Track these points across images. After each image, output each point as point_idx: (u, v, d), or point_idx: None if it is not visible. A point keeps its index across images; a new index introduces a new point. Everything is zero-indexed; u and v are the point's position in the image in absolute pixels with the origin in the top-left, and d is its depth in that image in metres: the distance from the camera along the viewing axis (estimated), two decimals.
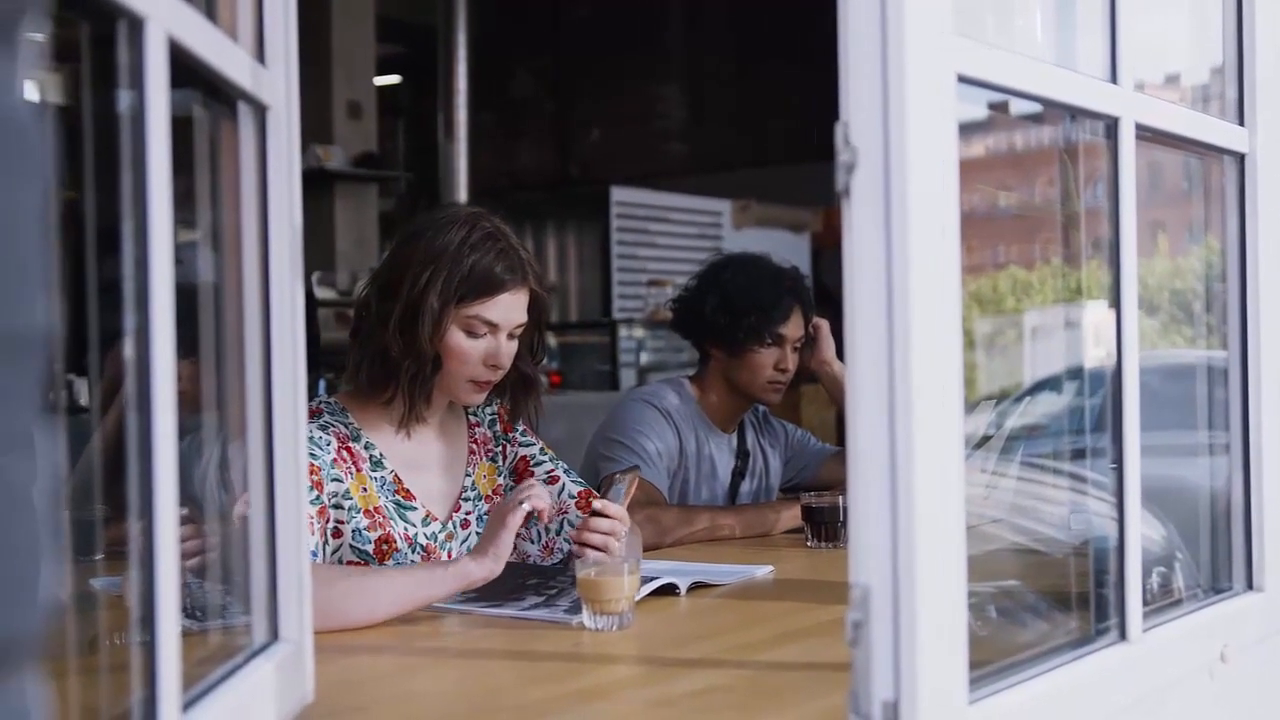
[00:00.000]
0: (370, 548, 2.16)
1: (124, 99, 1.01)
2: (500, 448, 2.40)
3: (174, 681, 1.02)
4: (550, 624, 1.90)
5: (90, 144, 1.07)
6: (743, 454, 3.15)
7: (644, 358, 7.53)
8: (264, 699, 1.28)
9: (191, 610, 1.31)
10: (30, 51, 0.61)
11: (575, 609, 1.92)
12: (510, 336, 2.23)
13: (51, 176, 0.61)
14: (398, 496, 2.22)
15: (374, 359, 2.20)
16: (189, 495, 1.16)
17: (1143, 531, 1.56)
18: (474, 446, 2.37)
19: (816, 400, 6.59)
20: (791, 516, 2.83)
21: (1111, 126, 1.53)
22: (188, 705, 1.08)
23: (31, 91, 0.61)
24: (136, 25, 0.99)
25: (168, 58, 1.02)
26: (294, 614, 1.38)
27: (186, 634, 1.07)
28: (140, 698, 1.01)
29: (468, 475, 2.34)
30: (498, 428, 2.41)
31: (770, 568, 2.37)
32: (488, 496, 2.35)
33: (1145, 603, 1.56)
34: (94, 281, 1.02)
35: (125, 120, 1.01)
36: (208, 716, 1.11)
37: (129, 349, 0.99)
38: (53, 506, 0.61)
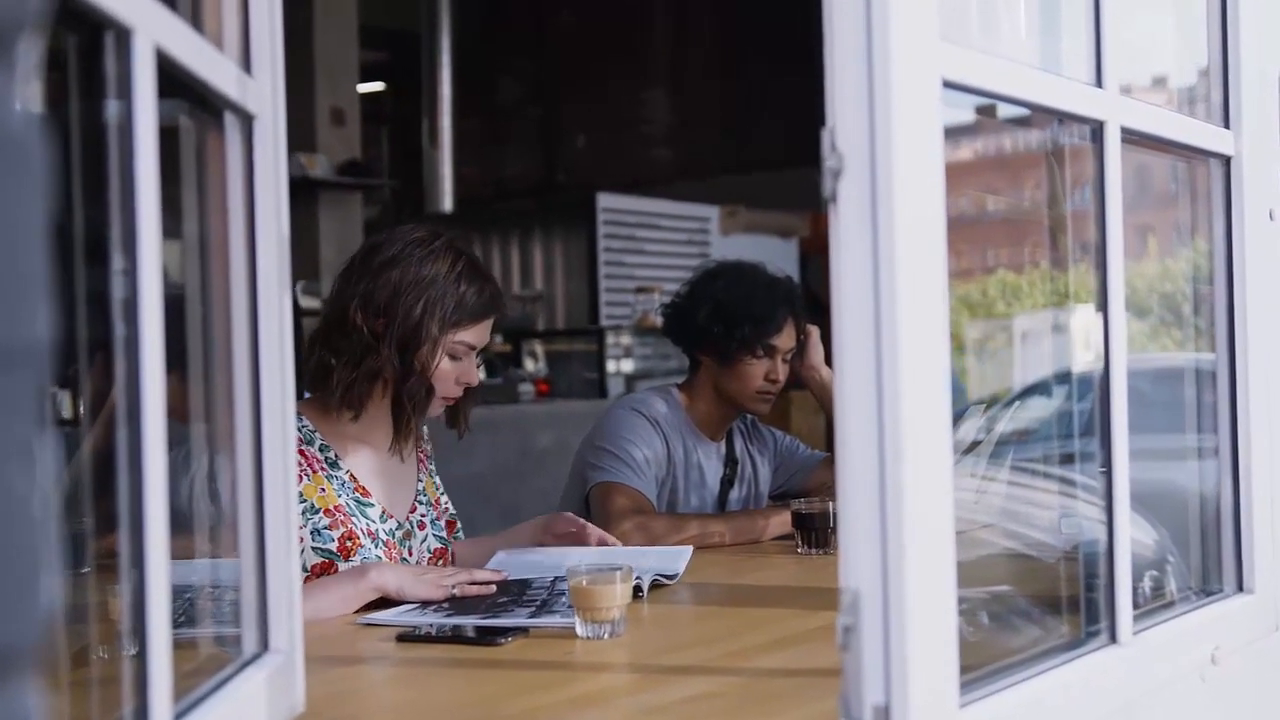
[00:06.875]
0: (334, 546, 2.22)
1: (111, 109, 1.00)
2: (433, 465, 2.52)
3: (166, 693, 1.02)
4: (547, 631, 1.89)
5: (76, 153, 1.06)
6: (731, 462, 3.14)
7: (632, 365, 7.51)
8: (255, 710, 1.28)
9: (178, 620, 1.31)
10: (28, 63, 0.61)
11: (571, 613, 1.91)
12: (479, 355, 2.36)
13: (49, 188, 0.61)
14: (356, 494, 2.30)
15: (364, 379, 2.26)
16: (177, 508, 1.16)
17: (1135, 536, 1.56)
18: (422, 456, 2.48)
19: (805, 407, 6.58)
20: (780, 523, 2.83)
21: (1097, 130, 1.53)
22: (179, 716, 1.08)
23: (29, 103, 0.61)
24: (124, 36, 0.99)
25: (155, 68, 1.02)
26: (284, 625, 1.38)
27: (175, 644, 1.07)
28: (132, 709, 1.01)
29: (419, 481, 2.45)
30: (429, 448, 2.53)
31: (689, 549, 2.43)
32: (434, 503, 2.46)
33: (1137, 606, 1.56)
34: (80, 292, 1.01)
35: (112, 130, 1.00)
36: None
37: (119, 360, 0.99)
38: (51, 516, 0.62)
